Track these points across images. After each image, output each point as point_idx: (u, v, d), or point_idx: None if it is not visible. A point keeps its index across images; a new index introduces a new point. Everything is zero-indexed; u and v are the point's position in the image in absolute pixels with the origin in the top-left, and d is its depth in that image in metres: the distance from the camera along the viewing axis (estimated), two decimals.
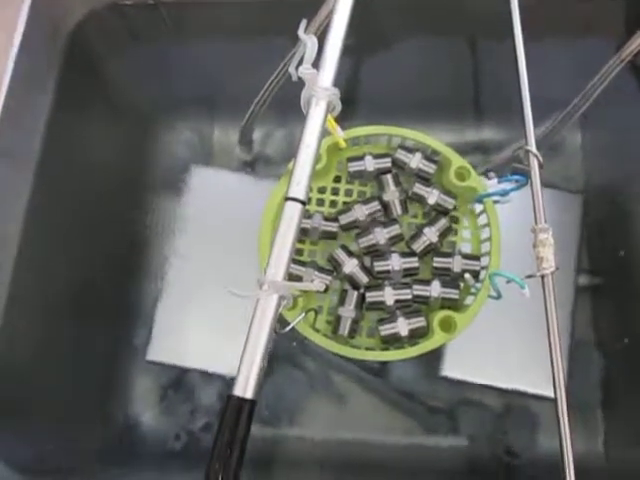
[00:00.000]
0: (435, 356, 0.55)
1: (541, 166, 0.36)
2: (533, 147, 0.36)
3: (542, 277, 0.33)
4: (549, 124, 0.52)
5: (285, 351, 0.58)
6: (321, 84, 0.38)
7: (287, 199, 0.36)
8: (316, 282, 0.37)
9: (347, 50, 0.55)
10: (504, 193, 0.42)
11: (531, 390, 0.53)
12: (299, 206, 0.36)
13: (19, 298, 0.46)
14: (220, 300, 0.56)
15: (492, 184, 0.42)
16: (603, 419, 0.55)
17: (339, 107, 0.41)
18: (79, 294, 0.53)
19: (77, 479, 0.47)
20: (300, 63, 0.38)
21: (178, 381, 0.57)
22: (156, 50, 0.58)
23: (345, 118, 0.48)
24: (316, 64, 0.39)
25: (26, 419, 0.47)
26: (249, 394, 0.32)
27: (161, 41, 0.57)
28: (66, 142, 0.51)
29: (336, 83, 0.41)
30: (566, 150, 0.62)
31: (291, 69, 0.40)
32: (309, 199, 0.47)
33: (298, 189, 0.36)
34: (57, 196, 0.50)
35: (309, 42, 0.37)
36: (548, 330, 0.33)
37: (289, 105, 0.39)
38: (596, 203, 0.59)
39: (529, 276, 0.34)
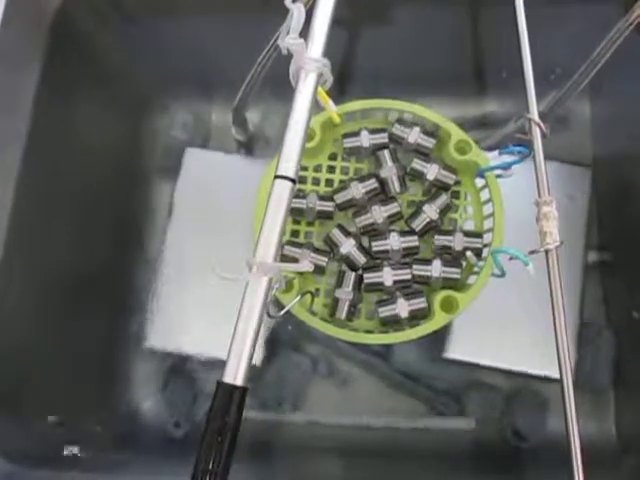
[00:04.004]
0: (440, 338, 0.54)
1: (544, 135, 0.34)
2: (535, 115, 0.34)
3: (546, 252, 0.31)
4: (555, 94, 0.49)
5: (287, 335, 0.57)
6: (310, 55, 0.37)
7: (276, 177, 0.34)
8: (304, 262, 0.35)
9: (340, 22, 0.53)
10: (507, 166, 0.40)
11: (539, 372, 0.52)
12: (289, 184, 0.34)
13: (10, 285, 0.45)
14: (219, 284, 0.54)
15: (493, 157, 0.40)
16: (614, 399, 0.54)
17: (330, 80, 0.39)
18: (73, 280, 0.52)
19: (76, 468, 0.47)
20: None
21: (178, 368, 0.56)
22: (149, 28, 0.56)
23: (340, 95, 0.46)
24: (307, 36, 0.37)
25: (22, 408, 0.46)
26: (239, 381, 0.31)
27: (154, 18, 0.55)
28: (55, 125, 0.50)
29: (330, 58, 0.39)
30: (574, 122, 0.59)
31: (280, 42, 0.38)
32: (304, 178, 0.46)
33: (287, 167, 0.34)
34: (47, 181, 0.49)
35: (295, 10, 0.35)
36: (553, 307, 0.31)
37: (287, 84, 0.37)
38: (606, 177, 0.56)
39: (532, 252, 0.32)
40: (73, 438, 0.49)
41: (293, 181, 0.34)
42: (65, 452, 0.48)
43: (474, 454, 0.54)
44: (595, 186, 0.56)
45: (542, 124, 0.33)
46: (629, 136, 0.54)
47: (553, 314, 0.31)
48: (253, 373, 0.56)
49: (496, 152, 0.39)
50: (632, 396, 0.52)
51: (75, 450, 0.49)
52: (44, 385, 0.49)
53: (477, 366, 0.53)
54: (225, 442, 0.30)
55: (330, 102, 0.41)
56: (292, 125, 0.36)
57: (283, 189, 0.34)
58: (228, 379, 0.30)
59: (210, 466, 0.29)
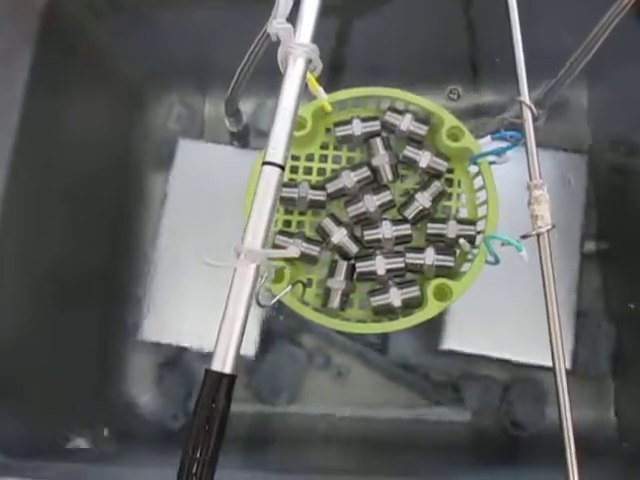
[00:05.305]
0: (436, 328, 0.53)
1: (535, 118, 0.33)
2: (526, 98, 0.33)
3: (538, 236, 0.31)
4: (550, 80, 0.49)
5: (282, 327, 0.57)
6: (298, 40, 0.36)
7: (264, 163, 0.34)
8: (291, 248, 0.35)
9: (331, 11, 0.52)
10: (500, 152, 0.39)
11: (536, 361, 0.51)
12: (277, 171, 0.34)
13: (4, 279, 0.45)
14: (213, 275, 0.54)
15: (486, 142, 0.39)
16: (614, 388, 0.53)
17: (320, 66, 0.39)
18: (67, 274, 0.52)
19: (71, 461, 0.46)
20: None
21: (174, 360, 0.56)
22: (141, 19, 0.56)
23: (332, 86, 0.46)
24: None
25: (17, 401, 0.46)
26: (228, 368, 0.30)
27: (147, 9, 0.55)
28: (46, 118, 0.50)
29: (321, 48, 0.38)
30: (572, 110, 0.58)
31: (269, 28, 0.38)
32: (296, 168, 0.45)
33: (275, 153, 0.34)
34: (38, 174, 0.49)
35: None
36: (545, 292, 0.31)
37: (280, 75, 0.37)
38: (603, 165, 0.56)
39: (524, 236, 0.32)
40: (68, 430, 0.49)
41: (281, 167, 0.34)
42: (70, 445, 0.48)
43: (472, 444, 0.53)
44: (592, 174, 0.55)
45: (533, 107, 0.33)
46: (627, 123, 0.54)
47: (545, 299, 0.31)
48: (248, 365, 0.56)
49: (488, 137, 0.39)
50: (631, 386, 0.52)
51: (82, 444, 0.49)
52: (39, 378, 0.49)
53: (474, 356, 0.52)
54: (213, 431, 0.29)
55: (320, 89, 0.41)
56: (280, 111, 0.36)
57: (271, 176, 0.34)
58: (216, 367, 0.30)
59: (198, 455, 0.29)
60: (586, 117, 0.58)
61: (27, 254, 0.48)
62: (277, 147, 0.34)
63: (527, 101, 0.33)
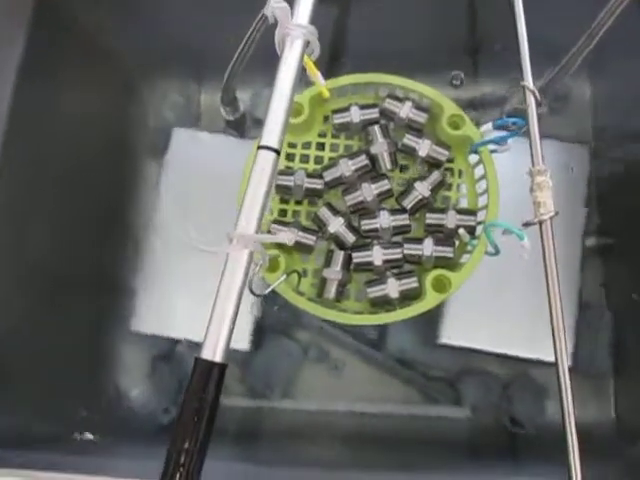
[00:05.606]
0: (434, 322, 0.52)
1: (538, 103, 0.32)
2: (530, 83, 0.32)
3: (540, 224, 0.30)
4: (553, 68, 0.48)
5: (277, 321, 0.56)
6: (296, 21, 0.35)
7: (259, 147, 0.33)
8: (285, 234, 0.34)
9: None
10: (501, 140, 0.38)
11: (536, 356, 0.50)
12: (272, 155, 0.33)
13: None
14: (207, 266, 0.53)
15: (487, 129, 0.38)
16: (614, 385, 0.52)
17: (318, 49, 0.38)
18: (58, 264, 0.50)
19: (62, 452, 0.45)
20: None
21: (166, 353, 0.55)
22: (137, 3, 0.55)
23: (331, 75, 0.45)
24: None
25: (8, 392, 0.45)
26: (218, 357, 0.29)
27: None
28: (38, 103, 0.48)
29: (320, 36, 0.37)
30: (574, 101, 0.57)
31: (265, 9, 0.37)
32: (292, 156, 0.44)
33: (271, 137, 0.33)
34: (30, 162, 0.48)
35: None
36: (547, 282, 0.30)
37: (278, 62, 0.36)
38: (606, 157, 0.55)
39: (526, 223, 0.31)
40: (59, 422, 0.48)
41: (277, 152, 0.33)
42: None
43: (471, 441, 0.53)
44: (595, 166, 0.54)
45: (536, 91, 0.32)
46: (629, 114, 0.53)
47: (547, 288, 0.30)
48: (242, 358, 0.55)
49: (489, 124, 0.38)
50: (632, 381, 0.51)
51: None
52: (30, 370, 0.48)
53: (472, 351, 0.51)
54: (202, 421, 0.28)
55: (318, 74, 0.40)
56: (276, 94, 0.35)
57: (266, 160, 0.33)
58: (206, 355, 0.29)
59: (186, 445, 0.28)
60: (589, 108, 0.57)
61: (18, 243, 0.47)
62: (273, 131, 0.33)
63: (531, 85, 0.32)
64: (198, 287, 0.54)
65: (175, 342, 0.54)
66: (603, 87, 0.57)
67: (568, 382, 0.30)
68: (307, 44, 0.36)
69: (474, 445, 0.53)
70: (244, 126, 0.58)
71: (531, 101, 0.32)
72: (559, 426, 0.33)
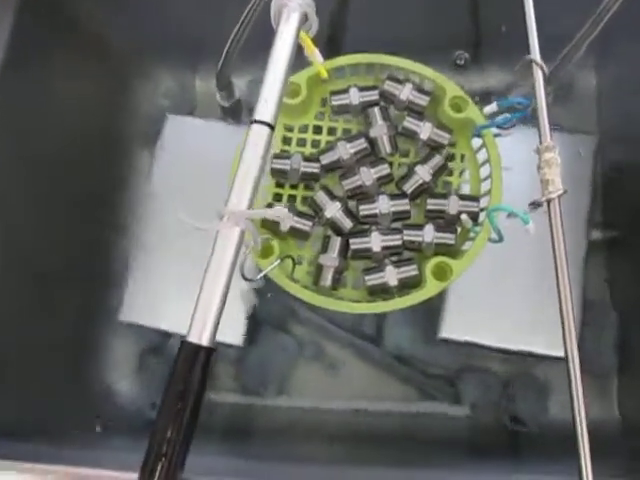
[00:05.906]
0: (433, 316, 0.50)
1: (546, 78, 0.31)
2: (537, 56, 0.30)
3: (548, 202, 0.28)
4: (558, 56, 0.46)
5: (272, 314, 0.54)
6: None
7: (253, 122, 0.31)
8: (277, 209, 0.32)
9: None
10: (506, 122, 0.37)
11: (539, 350, 0.48)
12: (266, 130, 0.31)
13: None
14: (199, 256, 0.51)
15: (491, 110, 0.37)
16: (618, 383, 0.51)
17: (316, 24, 0.36)
18: (47, 253, 0.49)
19: (47, 446, 0.44)
20: None
21: (156, 346, 0.53)
22: None
23: (330, 53, 0.43)
24: None
25: None
26: (205, 341, 0.27)
27: None
28: (27, 90, 0.47)
29: (319, 16, 0.36)
30: (579, 92, 0.56)
31: None
32: (289, 139, 0.43)
33: (265, 111, 0.31)
34: (18, 150, 0.46)
35: None
36: (555, 265, 0.28)
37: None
38: (611, 149, 0.53)
39: (533, 203, 0.29)
40: (45, 415, 0.47)
41: (271, 127, 0.32)
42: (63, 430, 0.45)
43: (470, 439, 0.51)
44: (600, 158, 0.53)
45: (544, 65, 0.30)
46: (635, 103, 0.51)
47: (556, 271, 0.28)
48: (235, 354, 0.53)
49: (493, 104, 0.36)
50: (637, 379, 0.49)
51: (75, 430, 0.47)
52: (14, 362, 0.46)
53: (473, 346, 0.49)
54: (187, 408, 0.26)
55: (316, 52, 0.38)
56: (271, 68, 0.33)
57: (260, 135, 0.31)
58: (193, 338, 0.27)
59: (169, 434, 0.26)
60: (595, 98, 0.56)
61: (6, 235, 0.45)
62: (267, 105, 0.32)
63: (538, 59, 0.30)
64: (190, 278, 0.52)
65: (164, 335, 0.52)
66: (608, 75, 0.55)
67: (578, 371, 0.28)
68: (304, 18, 0.35)
69: (473, 443, 0.51)
70: (240, 113, 0.56)
71: (538, 75, 0.31)
72: (562, 424, 0.31)
